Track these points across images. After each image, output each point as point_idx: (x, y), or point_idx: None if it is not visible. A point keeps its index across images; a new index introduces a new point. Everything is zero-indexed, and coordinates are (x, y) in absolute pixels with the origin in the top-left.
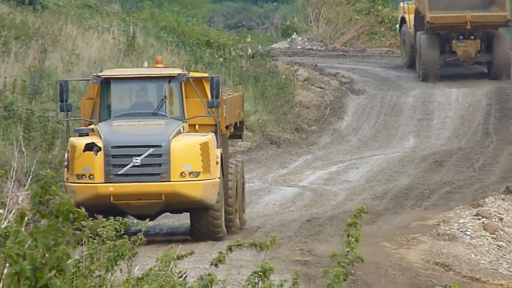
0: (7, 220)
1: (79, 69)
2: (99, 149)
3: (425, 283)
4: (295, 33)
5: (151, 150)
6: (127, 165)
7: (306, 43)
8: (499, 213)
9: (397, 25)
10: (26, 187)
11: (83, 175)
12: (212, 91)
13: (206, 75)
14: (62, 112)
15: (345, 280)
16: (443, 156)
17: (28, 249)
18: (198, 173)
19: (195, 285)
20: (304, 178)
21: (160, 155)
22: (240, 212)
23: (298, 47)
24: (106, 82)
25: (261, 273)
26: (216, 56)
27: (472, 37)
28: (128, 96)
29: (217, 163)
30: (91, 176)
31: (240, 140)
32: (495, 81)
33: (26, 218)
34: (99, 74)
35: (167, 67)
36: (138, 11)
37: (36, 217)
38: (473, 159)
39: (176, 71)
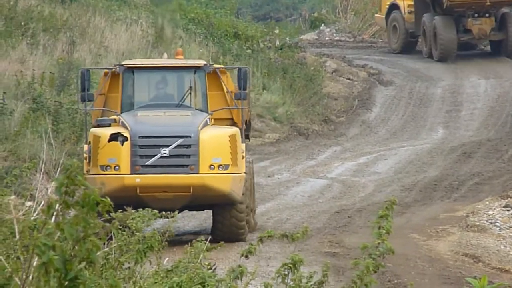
0: (36, 213)
1: (108, 61)
2: (126, 139)
3: (454, 275)
4: (323, 24)
5: (180, 141)
6: (154, 155)
7: (334, 34)
8: None
9: (376, 14)
10: (53, 179)
11: (108, 166)
12: (240, 83)
13: (221, 66)
14: (83, 102)
15: (375, 272)
16: (472, 148)
17: (57, 241)
18: (227, 166)
19: (226, 277)
20: (333, 170)
21: (189, 146)
22: (253, 212)
23: (326, 38)
24: (129, 72)
25: (291, 265)
26: (244, 47)
27: (487, 15)
28: (152, 86)
29: (243, 157)
30: (117, 167)
31: (248, 140)
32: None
33: (54, 209)
34: (122, 63)
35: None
36: (166, 2)
37: (63, 208)
38: (502, 150)
39: (201, 61)
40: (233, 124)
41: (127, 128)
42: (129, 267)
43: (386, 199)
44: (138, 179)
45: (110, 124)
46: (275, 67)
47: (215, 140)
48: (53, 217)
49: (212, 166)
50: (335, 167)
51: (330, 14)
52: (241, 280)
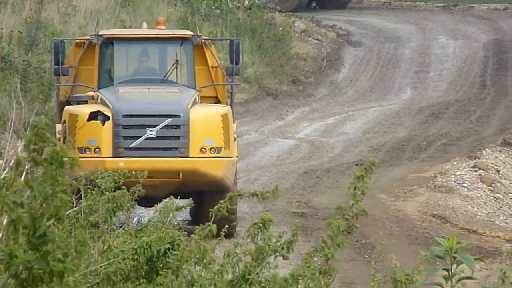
0: (5, 171)
1: (76, 21)
2: (107, 118)
3: (422, 235)
4: None
5: (168, 121)
6: (140, 137)
7: None
8: (496, 165)
9: None
10: (22, 136)
11: (87, 148)
12: (232, 56)
13: (209, 38)
14: (57, 77)
15: (349, 233)
16: (440, 108)
17: (26, 199)
18: (219, 149)
19: (195, 237)
20: (301, 130)
21: (178, 127)
22: None
23: None
24: (108, 43)
25: (261, 225)
26: (213, 7)
27: None
28: (133, 59)
29: (234, 139)
30: (97, 149)
31: None
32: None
33: (22, 167)
34: (100, 33)
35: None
36: None
37: (32, 166)
38: (470, 111)
39: (187, 32)
40: (218, 102)
41: (108, 106)
42: (98, 226)
43: (354, 160)
44: (121, 163)
45: (87, 101)
46: (244, 28)
47: (206, 120)
48: (22, 175)
49: (203, 149)
50: (303, 128)
51: None
52: (210, 239)
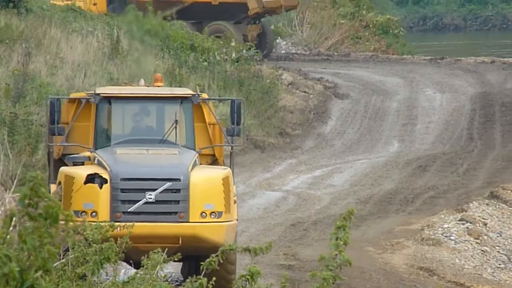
0: None
1: (63, 73)
2: (105, 181)
3: None
4: (279, 37)
5: (167, 184)
6: (138, 201)
7: (290, 47)
8: (483, 218)
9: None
10: (12, 190)
11: (84, 211)
12: (234, 116)
13: (208, 97)
14: (52, 136)
15: (333, 283)
16: (427, 161)
17: (14, 251)
18: (220, 213)
19: None
20: (288, 182)
21: (178, 191)
22: None
23: (283, 51)
24: (105, 102)
25: (249, 277)
26: (201, 60)
27: (257, 22)
28: (131, 118)
29: (234, 201)
30: (94, 213)
31: None
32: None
33: (14, 220)
34: (98, 92)
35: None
36: (122, 14)
37: (24, 219)
38: (457, 164)
39: (187, 91)
40: (215, 161)
41: (105, 168)
42: (85, 278)
43: (341, 212)
44: (119, 228)
45: (83, 162)
46: (231, 80)
47: (207, 184)
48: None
49: (203, 214)
50: (290, 180)
51: (286, 27)
52: None
